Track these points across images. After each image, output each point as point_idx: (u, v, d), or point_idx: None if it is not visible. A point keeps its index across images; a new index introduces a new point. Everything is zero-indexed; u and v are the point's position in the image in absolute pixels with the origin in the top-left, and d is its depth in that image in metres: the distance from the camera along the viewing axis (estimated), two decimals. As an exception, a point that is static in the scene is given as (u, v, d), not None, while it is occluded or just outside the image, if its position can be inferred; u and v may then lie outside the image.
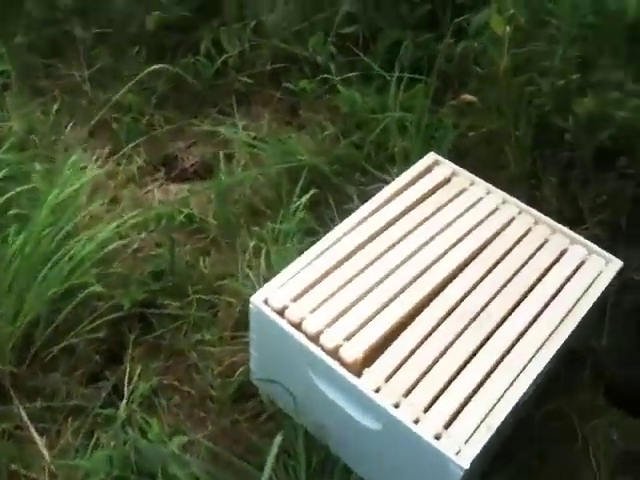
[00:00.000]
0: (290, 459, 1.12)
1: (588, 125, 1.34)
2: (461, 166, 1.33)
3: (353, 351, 1.04)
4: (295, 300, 1.10)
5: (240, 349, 1.29)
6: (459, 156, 1.44)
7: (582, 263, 1.20)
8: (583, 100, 1.29)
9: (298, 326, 1.07)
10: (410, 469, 1.05)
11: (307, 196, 1.43)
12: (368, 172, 1.56)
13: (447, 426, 0.98)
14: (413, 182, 1.30)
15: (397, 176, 1.50)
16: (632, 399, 1.29)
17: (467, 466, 0.94)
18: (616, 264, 1.19)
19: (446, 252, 1.18)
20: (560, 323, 1.11)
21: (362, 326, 1.07)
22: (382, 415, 1.01)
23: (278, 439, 1.06)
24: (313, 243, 1.39)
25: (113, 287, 1.31)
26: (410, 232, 1.21)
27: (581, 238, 1.22)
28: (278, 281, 1.12)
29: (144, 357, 1.29)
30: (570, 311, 1.13)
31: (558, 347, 1.08)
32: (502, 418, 0.99)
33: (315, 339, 1.06)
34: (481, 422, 0.99)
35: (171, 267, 1.37)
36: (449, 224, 1.23)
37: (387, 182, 1.52)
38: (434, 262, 1.17)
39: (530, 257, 1.19)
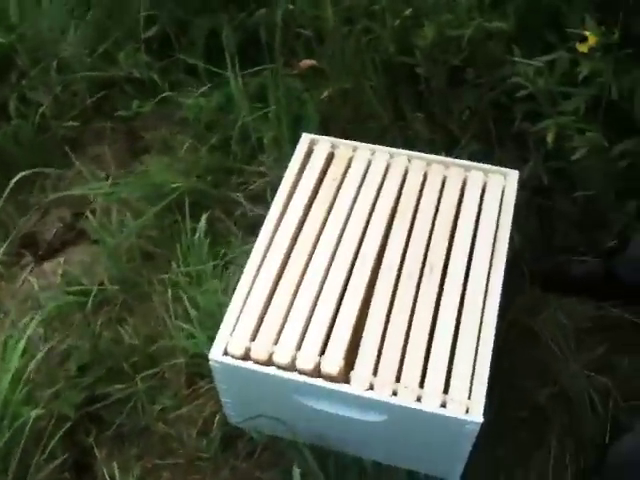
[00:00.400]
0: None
1: (432, 53, 1.37)
2: (333, 134, 1.32)
3: (333, 362, 1.03)
4: (253, 339, 1.06)
5: (205, 401, 1.25)
6: (328, 126, 1.42)
7: (485, 185, 1.24)
8: (422, 30, 1.31)
9: (269, 362, 1.04)
10: (423, 442, 1.08)
11: (203, 222, 1.36)
12: (243, 170, 1.51)
13: (446, 391, 1.01)
14: (302, 170, 1.27)
15: (272, 163, 1.49)
16: (559, 283, 1.40)
17: (481, 419, 0.98)
18: (513, 175, 1.25)
19: (367, 226, 1.18)
20: (493, 248, 1.16)
21: (328, 334, 1.06)
22: (384, 407, 1.01)
23: (296, 472, 1.05)
24: (227, 265, 1.36)
25: (48, 402, 1.20)
26: (325, 221, 1.19)
27: (475, 164, 1.26)
28: (226, 328, 1.07)
29: (114, 453, 1.21)
30: (496, 233, 1.18)
31: (502, 270, 1.13)
32: (488, 362, 1.04)
33: (291, 367, 1.03)
34: (473, 372, 1.03)
35: (96, 354, 1.27)
36: (355, 198, 1.23)
37: (265, 174, 1.51)
38: (361, 241, 1.17)
39: (439, 199, 1.22)
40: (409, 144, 1.44)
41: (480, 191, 1.24)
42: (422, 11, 1.33)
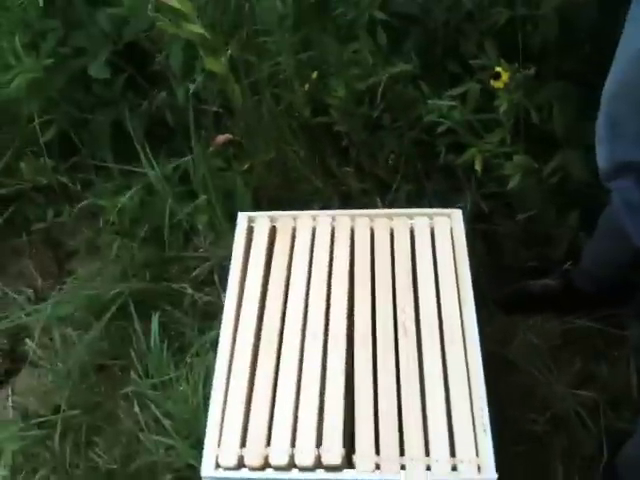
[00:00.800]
0: None
1: (346, 108, 1.36)
2: (267, 205, 1.29)
3: (333, 452, 0.97)
4: (243, 444, 0.99)
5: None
6: (260, 197, 1.38)
7: (432, 229, 1.23)
8: (334, 90, 1.30)
9: (265, 465, 0.98)
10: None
11: (155, 324, 1.28)
12: (182, 258, 1.45)
13: (453, 454, 0.98)
14: (247, 252, 1.23)
15: (209, 245, 1.43)
16: (521, 304, 1.41)
17: (495, 475, 0.95)
18: (457, 214, 1.24)
19: (329, 298, 1.14)
20: (458, 288, 1.14)
21: (321, 423, 1.01)
22: (392, 483, 0.97)
23: None
24: (190, 363, 1.29)
25: None
26: (285, 301, 1.15)
27: (418, 210, 1.25)
28: (212, 440, 1.00)
29: None
30: (457, 272, 1.16)
31: (473, 308, 1.12)
32: (485, 408, 1.01)
33: (290, 466, 0.98)
34: (473, 425, 1.00)
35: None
36: (309, 270, 1.18)
37: (206, 258, 1.45)
38: (327, 316, 1.12)
39: (392, 252, 1.20)
40: (344, 199, 1.42)
41: (429, 236, 1.22)
42: (328, 71, 1.33)
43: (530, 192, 1.35)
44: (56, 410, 1.27)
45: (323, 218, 1.26)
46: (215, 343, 1.26)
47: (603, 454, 1.20)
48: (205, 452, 0.99)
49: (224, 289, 1.35)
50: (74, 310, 1.39)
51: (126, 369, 1.29)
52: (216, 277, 1.36)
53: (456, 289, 1.15)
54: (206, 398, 1.17)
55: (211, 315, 1.31)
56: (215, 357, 1.22)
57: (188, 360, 1.26)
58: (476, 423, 1.00)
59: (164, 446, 1.17)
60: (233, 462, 0.98)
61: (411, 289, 1.15)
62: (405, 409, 1.02)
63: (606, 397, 1.27)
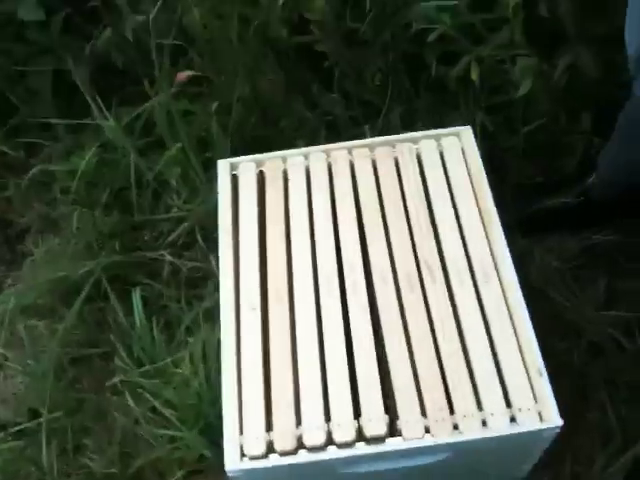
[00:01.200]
0: None
1: (327, 23, 1.18)
2: (246, 150, 1.11)
3: (376, 421, 0.84)
4: (270, 428, 0.85)
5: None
6: (237, 142, 1.20)
7: (442, 152, 1.08)
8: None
9: (299, 448, 0.84)
10: (491, 462, 0.93)
11: (138, 301, 1.11)
12: (154, 222, 1.27)
13: (508, 404, 0.86)
14: (235, 203, 1.06)
15: (183, 204, 1.26)
16: (538, 224, 1.28)
17: (560, 421, 0.83)
18: (467, 131, 1.09)
19: (339, 243, 0.99)
20: (483, 220, 1.01)
21: (355, 388, 0.87)
22: (446, 446, 0.84)
23: None
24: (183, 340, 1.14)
25: None
26: (289, 255, 0.99)
27: (422, 133, 1.09)
28: (231, 428, 0.85)
29: None
30: (477, 199, 1.02)
31: (503, 239, 0.98)
32: (536, 349, 0.89)
33: (327, 443, 0.84)
34: (526, 369, 0.88)
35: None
36: (311, 215, 1.03)
37: (183, 218, 1.27)
38: (340, 264, 0.97)
39: (400, 184, 1.05)
40: (332, 130, 1.26)
41: (439, 161, 1.08)
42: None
43: (538, 98, 1.20)
44: (34, 415, 1.10)
45: (316, 155, 1.09)
46: (208, 314, 1.12)
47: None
48: (226, 442, 0.85)
49: (211, 251, 1.19)
50: (37, 297, 1.20)
51: (109, 357, 1.12)
52: (199, 238, 1.19)
53: (480, 219, 1.01)
54: (208, 377, 1.03)
55: (198, 283, 1.15)
56: (211, 330, 1.08)
57: (180, 338, 1.10)
58: (528, 366, 0.88)
59: (168, 439, 1.01)
60: (261, 449, 0.84)
61: (428, 223, 1.01)
62: (445, 360, 0.89)
63: (638, 314, 1.16)
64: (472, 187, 1.04)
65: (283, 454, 0.84)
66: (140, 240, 1.26)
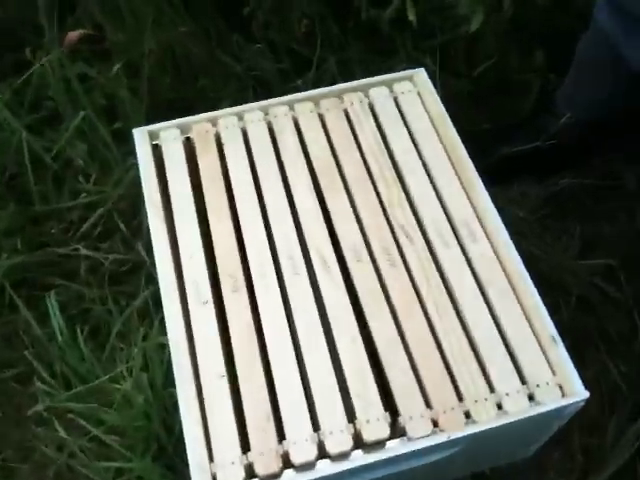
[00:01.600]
0: None
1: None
2: (163, 117, 0.93)
3: (376, 425, 0.69)
4: (247, 448, 0.69)
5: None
6: (150, 107, 1.01)
7: (397, 99, 0.94)
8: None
9: (285, 466, 0.68)
10: (508, 443, 0.82)
11: (55, 307, 0.91)
12: (60, 211, 1.05)
13: (523, 380, 0.73)
14: (162, 178, 0.87)
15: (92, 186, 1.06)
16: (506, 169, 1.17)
17: (586, 393, 0.72)
18: (421, 74, 0.96)
19: (295, 214, 0.83)
20: (456, 171, 0.88)
21: (345, 390, 0.72)
22: (460, 440, 0.71)
23: None
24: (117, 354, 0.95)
25: None
26: (239, 230, 0.82)
27: (368, 80, 0.94)
28: (197, 454, 0.68)
29: None
30: (447, 149, 0.89)
31: (485, 192, 0.86)
32: (544, 312, 0.77)
33: (320, 456, 0.69)
34: (537, 340, 0.75)
35: None
36: (257, 184, 0.86)
37: (95, 203, 1.07)
38: (300, 235, 0.82)
39: (356, 138, 0.90)
40: (261, 87, 1.08)
41: (395, 108, 0.93)
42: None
43: (485, 35, 1.08)
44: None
45: (252, 114, 0.92)
46: (143, 314, 0.94)
47: (637, 326, 1.02)
48: (193, 473, 0.68)
49: (136, 238, 1.00)
50: None
51: (27, 379, 0.91)
52: (120, 225, 0.99)
53: (452, 169, 0.88)
54: (154, 390, 0.85)
55: (124, 278, 0.96)
56: (149, 333, 0.89)
57: (112, 346, 0.91)
58: (538, 334, 0.76)
59: (114, 472, 0.82)
60: (239, 476, 0.68)
61: (397, 181, 0.87)
62: (443, 338, 0.75)
63: (619, 259, 1.08)
64: (437, 134, 0.91)
65: (267, 478, 0.68)
66: (46, 234, 1.04)
